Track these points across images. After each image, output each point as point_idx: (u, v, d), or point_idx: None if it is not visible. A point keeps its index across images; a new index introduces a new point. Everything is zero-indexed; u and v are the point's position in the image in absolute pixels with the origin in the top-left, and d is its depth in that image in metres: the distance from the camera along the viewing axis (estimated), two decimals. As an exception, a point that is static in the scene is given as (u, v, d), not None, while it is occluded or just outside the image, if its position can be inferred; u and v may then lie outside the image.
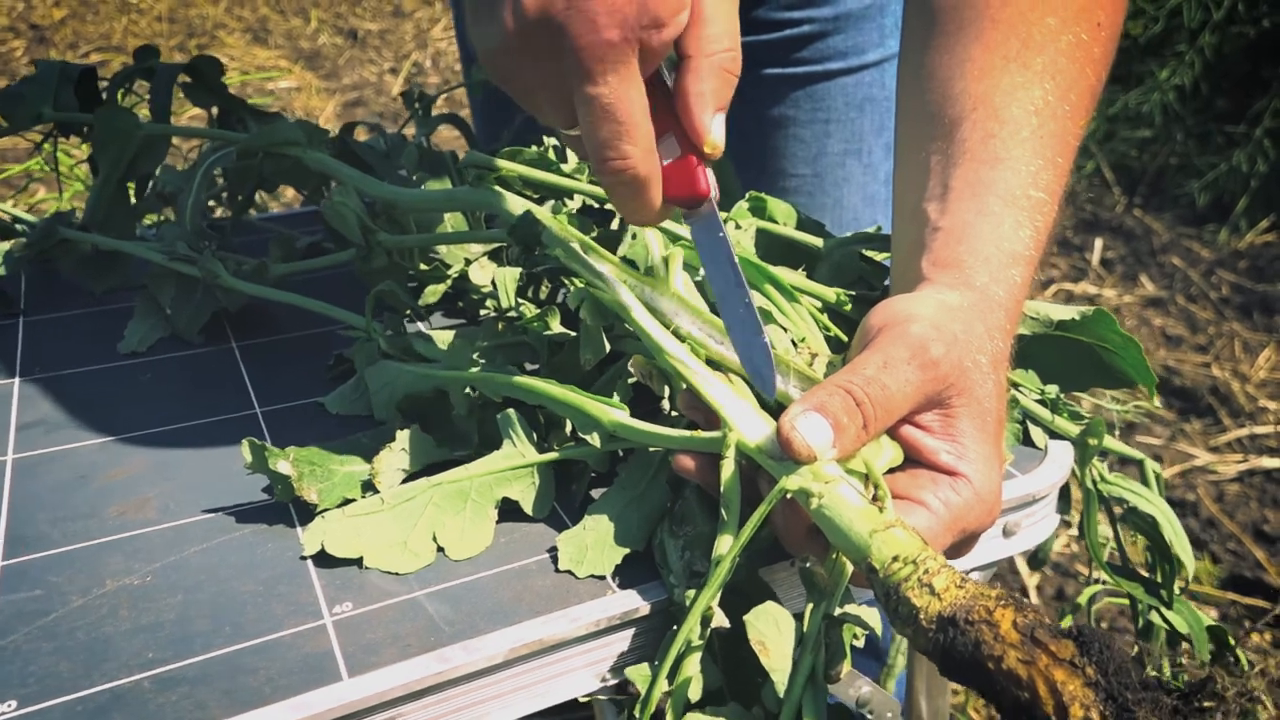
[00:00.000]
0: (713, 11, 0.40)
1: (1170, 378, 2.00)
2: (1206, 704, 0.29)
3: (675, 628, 0.43)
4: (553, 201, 0.69)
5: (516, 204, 0.60)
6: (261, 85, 3.26)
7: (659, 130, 0.43)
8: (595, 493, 0.52)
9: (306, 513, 0.48)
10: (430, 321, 0.69)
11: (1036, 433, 0.55)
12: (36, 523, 0.48)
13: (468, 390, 0.53)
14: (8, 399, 0.59)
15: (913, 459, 0.44)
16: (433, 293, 0.69)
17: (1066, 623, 0.48)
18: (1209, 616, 0.53)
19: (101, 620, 0.42)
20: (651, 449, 0.50)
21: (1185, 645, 0.55)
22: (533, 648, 0.43)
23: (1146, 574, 0.56)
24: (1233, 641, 0.51)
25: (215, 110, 0.80)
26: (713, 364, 0.49)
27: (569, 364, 0.57)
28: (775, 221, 0.64)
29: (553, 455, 0.51)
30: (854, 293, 0.58)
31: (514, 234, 0.59)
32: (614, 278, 0.53)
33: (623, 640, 0.45)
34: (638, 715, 0.40)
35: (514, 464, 0.51)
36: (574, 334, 0.57)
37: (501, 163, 0.67)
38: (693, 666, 0.42)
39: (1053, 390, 0.55)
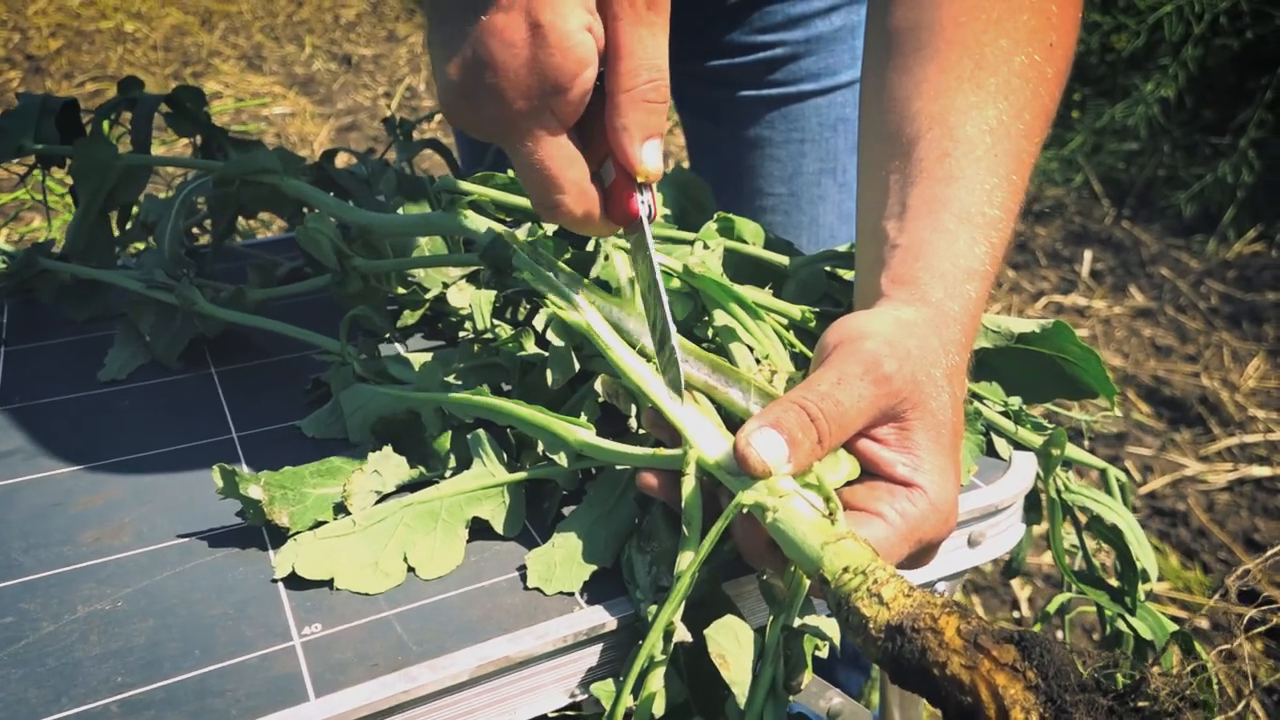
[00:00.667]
0: (631, 47, 0.42)
1: (1160, 388, 2.00)
2: (1140, 704, 0.29)
3: (640, 642, 0.44)
4: (528, 224, 0.70)
5: (488, 227, 0.61)
6: (256, 112, 3.29)
7: (601, 154, 0.45)
8: (567, 510, 0.53)
9: (279, 535, 0.49)
10: (409, 345, 0.70)
11: (1001, 444, 0.56)
12: (10, 550, 0.49)
13: (439, 412, 0.54)
14: (-13, 428, 0.59)
15: (870, 472, 0.44)
16: (410, 316, 0.70)
17: (1036, 629, 0.49)
18: (1193, 627, 0.53)
19: (72, 646, 0.43)
20: (619, 467, 0.51)
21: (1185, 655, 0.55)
22: (500, 665, 0.43)
23: (1116, 579, 0.56)
24: (1199, 647, 0.52)
25: (199, 139, 0.81)
26: (677, 382, 0.49)
27: (541, 384, 0.58)
28: (744, 241, 0.65)
29: (522, 475, 0.52)
30: (820, 309, 0.59)
31: (485, 256, 0.60)
32: (581, 299, 0.54)
33: (590, 656, 0.46)
34: (602, 730, 0.41)
35: (484, 484, 0.52)
36: (546, 354, 0.58)
37: (474, 187, 0.68)
38: (657, 681, 0.42)
39: (1015, 402, 0.56)
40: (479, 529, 0.51)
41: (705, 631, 0.42)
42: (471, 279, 0.73)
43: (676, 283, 0.59)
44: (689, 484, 0.44)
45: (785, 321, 0.59)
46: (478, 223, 0.62)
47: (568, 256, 0.66)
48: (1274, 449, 1.81)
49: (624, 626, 0.46)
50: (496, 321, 0.67)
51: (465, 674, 0.43)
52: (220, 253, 0.81)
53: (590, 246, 0.71)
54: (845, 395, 0.43)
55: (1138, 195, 2.73)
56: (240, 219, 0.78)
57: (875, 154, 0.54)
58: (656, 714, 0.42)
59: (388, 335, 0.70)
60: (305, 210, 0.75)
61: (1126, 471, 1.76)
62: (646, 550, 0.48)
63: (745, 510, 0.41)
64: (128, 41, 3.94)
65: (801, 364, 0.56)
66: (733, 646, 0.41)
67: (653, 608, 0.44)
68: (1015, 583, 1.57)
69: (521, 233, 0.67)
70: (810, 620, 0.41)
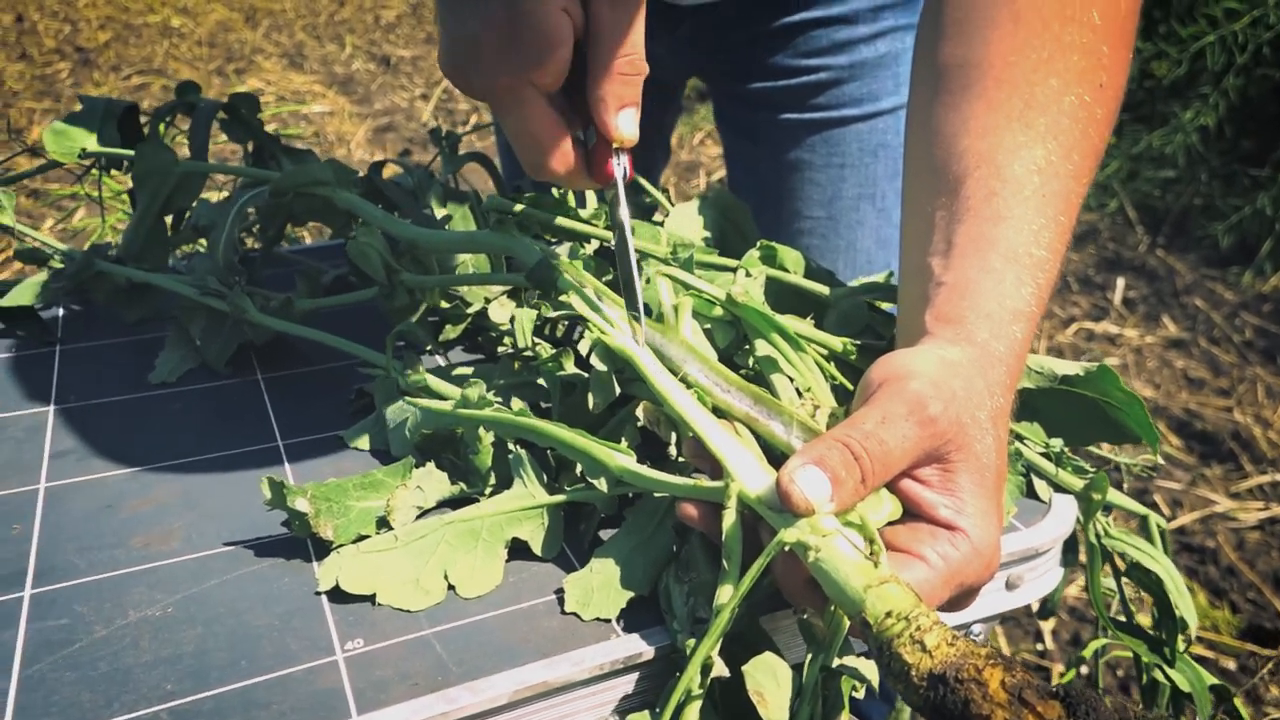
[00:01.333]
0: (608, 25, 0.48)
1: (1191, 421, 1.98)
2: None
3: (678, 674, 0.44)
4: (569, 244, 0.71)
5: (534, 248, 0.62)
6: (296, 110, 3.33)
7: (586, 119, 0.52)
8: (604, 533, 0.53)
9: (323, 546, 0.50)
10: (450, 357, 0.71)
11: (1040, 486, 0.56)
12: (65, 552, 0.50)
13: (481, 429, 0.55)
14: (42, 427, 0.61)
15: (912, 513, 0.45)
16: (452, 330, 0.71)
17: (1070, 676, 0.49)
18: (1218, 670, 0.53)
19: (123, 651, 0.44)
20: (658, 495, 0.52)
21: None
22: (537, 690, 0.44)
23: (1152, 627, 0.56)
24: (1237, 701, 0.51)
25: (250, 145, 0.83)
26: (718, 412, 0.50)
27: (581, 406, 0.58)
28: (786, 269, 0.65)
29: (562, 497, 0.53)
30: (861, 342, 0.59)
31: (531, 277, 0.61)
32: (624, 323, 0.54)
33: (625, 684, 0.46)
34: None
35: (524, 504, 0.52)
36: (587, 376, 0.59)
37: (521, 206, 0.69)
38: (693, 715, 0.42)
39: (1057, 444, 0.55)
40: (516, 549, 0.51)
41: (743, 668, 0.42)
42: (512, 294, 0.74)
43: (719, 310, 0.59)
44: (730, 517, 0.45)
45: (826, 353, 0.59)
46: (524, 242, 0.62)
47: (608, 278, 0.67)
48: (1307, 488, 1.78)
49: (660, 656, 0.46)
50: (536, 340, 0.67)
51: (503, 698, 0.43)
52: (266, 259, 0.82)
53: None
54: (890, 435, 0.43)
55: (1173, 224, 2.70)
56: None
57: (921, 189, 0.54)
58: (692, 746, 0.42)
59: (430, 349, 0.71)
60: (354, 221, 0.76)
61: (1155, 505, 1.75)
62: (684, 580, 0.48)
63: (787, 548, 0.42)
64: (173, 36, 4.01)
65: (842, 397, 0.56)
66: (770, 684, 0.41)
67: (690, 640, 0.44)
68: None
69: (563, 251, 0.68)
70: (849, 661, 0.41)
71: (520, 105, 0.49)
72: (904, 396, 0.44)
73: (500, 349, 0.72)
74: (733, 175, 0.99)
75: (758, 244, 0.66)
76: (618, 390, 0.57)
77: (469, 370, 0.66)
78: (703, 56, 0.92)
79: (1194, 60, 2.60)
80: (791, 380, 0.54)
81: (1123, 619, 0.57)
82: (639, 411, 0.55)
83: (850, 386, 0.57)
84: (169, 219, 0.74)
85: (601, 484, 0.51)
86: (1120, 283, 2.47)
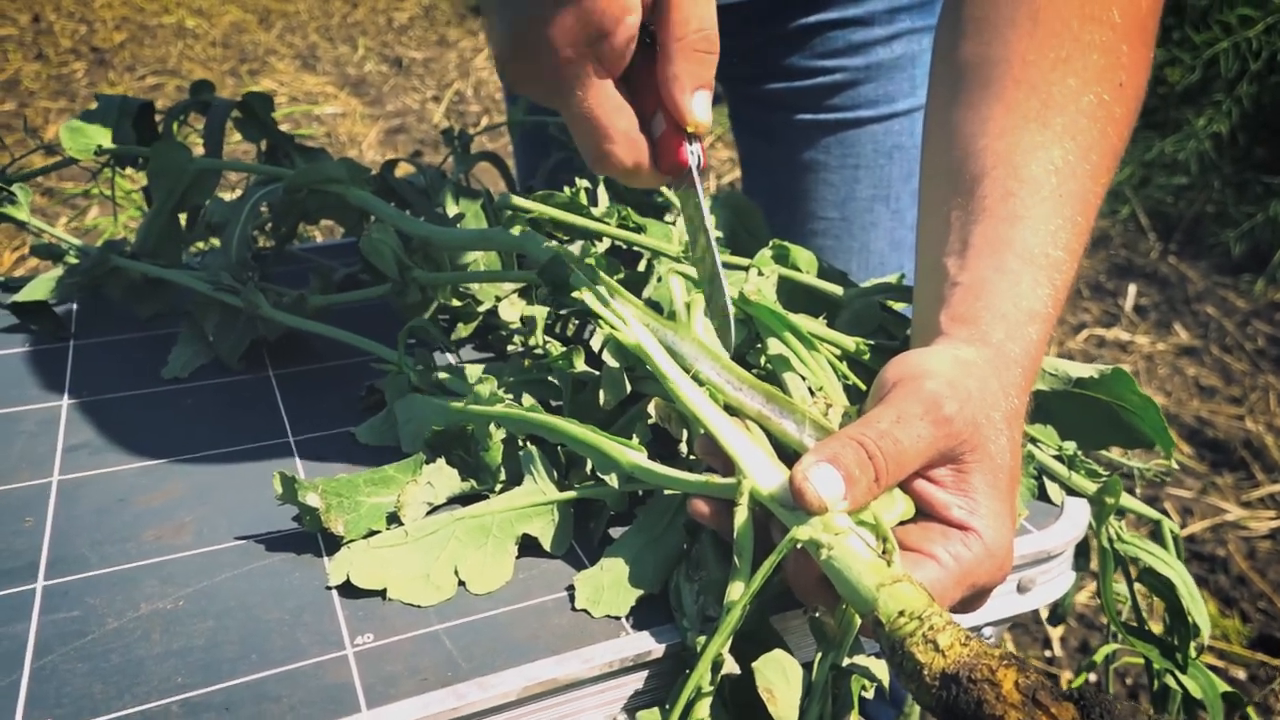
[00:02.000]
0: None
1: (1203, 429, 1.97)
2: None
3: (687, 672, 0.44)
4: (581, 243, 0.71)
5: (546, 245, 0.62)
6: (309, 110, 3.34)
7: (651, 108, 0.47)
8: (613, 531, 0.53)
9: (334, 541, 0.50)
10: (460, 355, 0.71)
11: (1053, 489, 0.56)
12: (77, 545, 0.50)
13: (492, 426, 0.55)
14: (56, 421, 0.61)
15: (925, 513, 0.44)
16: (464, 328, 0.71)
17: (1080, 681, 0.48)
18: (1229, 679, 0.52)
19: (135, 643, 0.44)
20: (669, 492, 0.51)
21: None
22: (547, 686, 0.44)
23: (1164, 633, 0.56)
24: (1250, 709, 0.51)
25: (264, 143, 0.83)
26: (730, 410, 0.50)
27: (591, 403, 0.58)
28: (798, 269, 0.65)
29: (572, 494, 0.53)
30: (873, 342, 0.59)
31: (543, 274, 0.61)
32: (636, 321, 0.54)
33: (635, 682, 0.46)
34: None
35: (534, 501, 0.52)
36: (597, 373, 0.59)
37: (533, 205, 0.69)
38: (703, 711, 0.42)
39: (1070, 447, 0.55)
40: (526, 546, 0.51)
41: (754, 665, 0.42)
42: (523, 293, 0.74)
43: (731, 309, 0.59)
44: (742, 514, 0.45)
45: (838, 352, 0.59)
46: (537, 240, 0.62)
47: (620, 277, 0.67)
48: (1320, 497, 1.77)
49: (669, 655, 0.46)
50: (547, 338, 0.67)
51: (513, 694, 0.43)
52: (279, 256, 0.83)
53: (642, 267, 0.71)
54: (904, 435, 0.43)
55: (1185, 231, 2.69)
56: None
57: (937, 189, 0.54)
58: (702, 744, 0.42)
59: (440, 346, 0.71)
60: (366, 219, 0.77)
61: (1166, 513, 1.73)
62: (695, 579, 0.48)
63: (799, 545, 0.41)
64: (188, 37, 4.03)
65: (854, 397, 0.56)
66: (780, 682, 0.41)
67: (701, 638, 0.44)
68: (1047, 619, 1.54)
69: (575, 250, 0.68)
70: (859, 660, 0.41)
71: (583, 85, 0.45)
72: (919, 396, 0.43)
73: (510, 347, 0.72)
74: (747, 176, 0.99)
75: (770, 243, 0.66)
76: (629, 388, 0.57)
77: (479, 368, 0.66)
78: (719, 58, 0.92)
79: (1207, 66, 2.58)
80: (804, 379, 0.54)
81: (1134, 625, 0.56)
82: (651, 408, 0.55)
83: (863, 386, 0.57)
84: (183, 216, 0.74)
85: (613, 480, 0.51)
86: (1132, 289, 2.46)
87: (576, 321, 0.72)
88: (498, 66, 0.47)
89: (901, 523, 0.44)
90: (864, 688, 0.41)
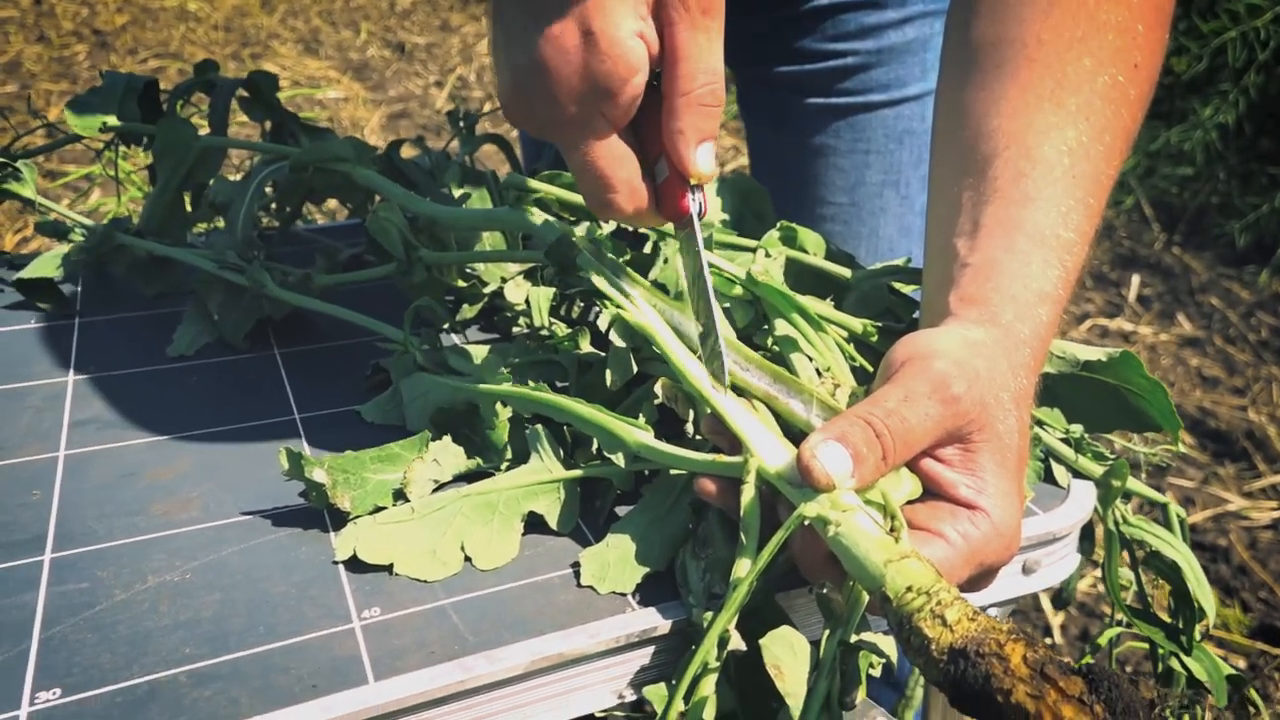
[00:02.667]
0: (688, 50, 0.44)
1: (1205, 419, 1.97)
2: (1211, 748, 0.29)
3: (693, 648, 0.44)
4: (587, 224, 0.71)
5: (553, 226, 0.62)
6: (311, 95, 3.33)
7: (655, 151, 0.48)
8: (619, 510, 0.53)
9: (340, 518, 0.50)
10: (466, 335, 0.71)
11: (1059, 471, 0.56)
12: (85, 518, 0.50)
13: (498, 405, 0.55)
14: (62, 396, 0.61)
15: (932, 492, 0.44)
16: (469, 309, 0.71)
17: (1087, 661, 0.48)
18: (1231, 666, 0.52)
19: (143, 615, 0.44)
20: (675, 472, 0.52)
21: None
22: (553, 660, 0.44)
23: (1168, 618, 0.56)
24: (1252, 692, 0.51)
25: (268, 124, 0.83)
26: (738, 390, 0.50)
27: (597, 384, 0.58)
28: (805, 251, 0.65)
29: (578, 472, 0.53)
30: (881, 324, 0.59)
31: (550, 255, 0.61)
32: (643, 301, 0.54)
33: (641, 658, 0.46)
34: (653, 733, 0.41)
35: (541, 479, 0.52)
36: (603, 354, 0.59)
37: (540, 185, 0.69)
38: (709, 687, 0.42)
39: (1077, 430, 0.55)
40: (531, 523, 0.51)
41: (761, 641, 0.42)
42: (528, 275, 0.74)
43: (739, 290, 0.59)
44: (749, 492, 0.45)
45: (845, 334, 0.59)
46: (545, 220, 0.62)
47: (626, 258, 0.67)
48: (1321, 488, 1.77)
49: (674, 631, 0.46)
50: (552, 320, 0.67)
51: (520, 667, 0.43)
52: (284, 236, 0.83)
53: (648, 249, 0.71)
54: (912, 413, 0.43)
55: (1190, 221, 2.68)
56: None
57: (949, 169, 0.54)
58: (709, 718, 0.42)
59: (446, 326, 0.71)
60: (371, 199, 0.76)
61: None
62: (701, 557, 0.48)
63: (806, 522, 0.41)
64: (190, 20, 4.02)
65: (861, 378, 0.56)
66: (788, 657, 0.41)
67: (708, 614, 0.44)
68: (1046, 608, 1.55)
69: (580, 231, 0.68)
70: (866, 637, 0.41)
71: (589, 138, 0.46)
72: (927, 375, 0.43)
73: (515, 329, 0.72)
74: (755, 160, 0.98)
75: (778, 225, 0.66)
76: (635, 368, 0.57)
77: (485, 348, 0.66)
78: (729, 39, 0.91)
79: (1214, 56, 2.57)
80: (811, 360, 0.54)
81: (1138, 608, 0.56)
82: (657, 388, 0.55)
83: (870, 368, 0.57)
84: (187, 195, 0.74)
85: (619, 459, 0.51)
86: (1135, 280, 2.45)
87: (581, 303, 0.72)
88: (500, 103, 0.47)
89: (909, 502, 0.44)
90: (871, 665, 0.42)
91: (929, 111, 0.89)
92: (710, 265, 0.59)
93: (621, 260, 0.63)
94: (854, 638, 0.41)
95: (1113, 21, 0.50)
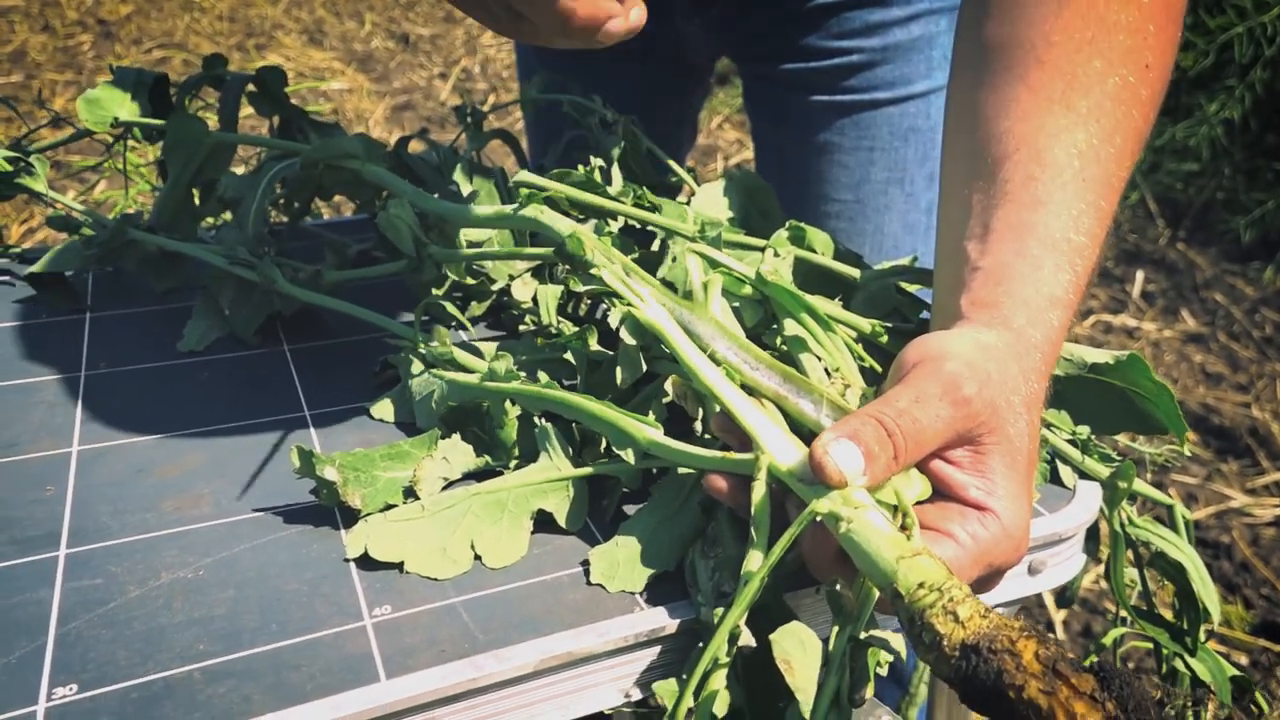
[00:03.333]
0: None
1: (1209, 416, 1.97)
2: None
3: (701, 645, 0.44)
4: (595, 221, 0.71)
5: (564, 224, 0.62)
6: (315, 86, 3.33)
7: None
8: (627, 508, 0.54)
9: (351, 515, 0.50)
10: (474, 333, 0.71)
11: (1065, 472, 0.56)
12: (98, 514, 0.50)
13: (507, 403, 0.55)
14: (75, 392, 0.61)
15: (942, 493, 0.45)
16: (477, 307, 0.72)
17: (1089, 661, 0.49)
18: (1231, 665, 0.53)
19: (157, 611, 0.44)
20: (684, 471, 0.52)
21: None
22: (562, 660, 0.44)
23: (1172, 615, 0.56)
24: (1257, 693, 0.51)
25: (276, 119, 0.83)
26: (747, 390, 0.50)
27: (605, 382, 0.58)
28: (814, 251, 0.65)
29: (588, 470, 0.53)
30: (889, 324, 0.59)
31: (560, 253, 0.61)
32: (654, 300, 0.54)
33: (649, 656, 0.47)
34: (663, 729, 0.41)
35: (550, 477, 0.53)
36: (610, 353, 0.59)
37: (549, 183, 0.69)
38: (719, 682, 0.43)
39: (1084, 431, 0.55)
40: (540, 522, 0.51)
41: (771, 636, 0.42)
42: (535, 273, 0.74)
43: (748, 289, 0.59)
44: (760, 489, 0.45)
45: (854, 334, 0.59)
46: (554, 219, 0.62)
47: (634, 256, 0.67)
48: (1324, 486, 1.77)
49: (683, 630, 0.47)
50: (560, 319, 0.67)
51: (529, 666, 0.43)
52: (293, 232, 0.83)
53: (655, 247, 0.71)
54: (923, 414, 0.43)
55: (1194, 217, 2.67)
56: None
57: (959, 171, 0.54)
58: (718, 715, 0.42)
59: (454, 324, 0.71)
60: (380, 195, 0.76)
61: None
62: (710, 556, 0.48)
63: (817, 519, 0.42)
64: (195, 10, 4.01)
65: (870, 379, 0.56)
66: (798, 653, 0.42)
67: (718, 610, 0.45)
68: (1050, 605, 1.55)
69: (589, 229, 0.68)
70: (876, 634, 0.41)
71: None
72: (939, 377, 0.43)
73: (522, 327, 0.72)
74: (760, 157, 0.98)
75: (786, 224, 0.66)
76: (644, 366, 0.57)
77: (494, 346, 0.66)
78: (734, 36, 0.91)
79: (1221, 52, 2.56)
80: (820, 360, 0.54)
81: (1143, 608, 0.57)
82: (667, 385, 0.55)
83: (878, 368, 0.57)
84: (197, 190, 0.74)
85: (629, 456, 0.51)
86: (1139, 275, 2.45)
87: (589, 301, 0.73)
88: None
89: (919, 503, 0.44)
90: (879, 663, 0.42)
91: (934, 109, 0.89)
92: (719, 265, 0.60)
93: (630, 258, 0.63)
94: (864, 634, 0.41)
95: (1123, 22, 0.50)
